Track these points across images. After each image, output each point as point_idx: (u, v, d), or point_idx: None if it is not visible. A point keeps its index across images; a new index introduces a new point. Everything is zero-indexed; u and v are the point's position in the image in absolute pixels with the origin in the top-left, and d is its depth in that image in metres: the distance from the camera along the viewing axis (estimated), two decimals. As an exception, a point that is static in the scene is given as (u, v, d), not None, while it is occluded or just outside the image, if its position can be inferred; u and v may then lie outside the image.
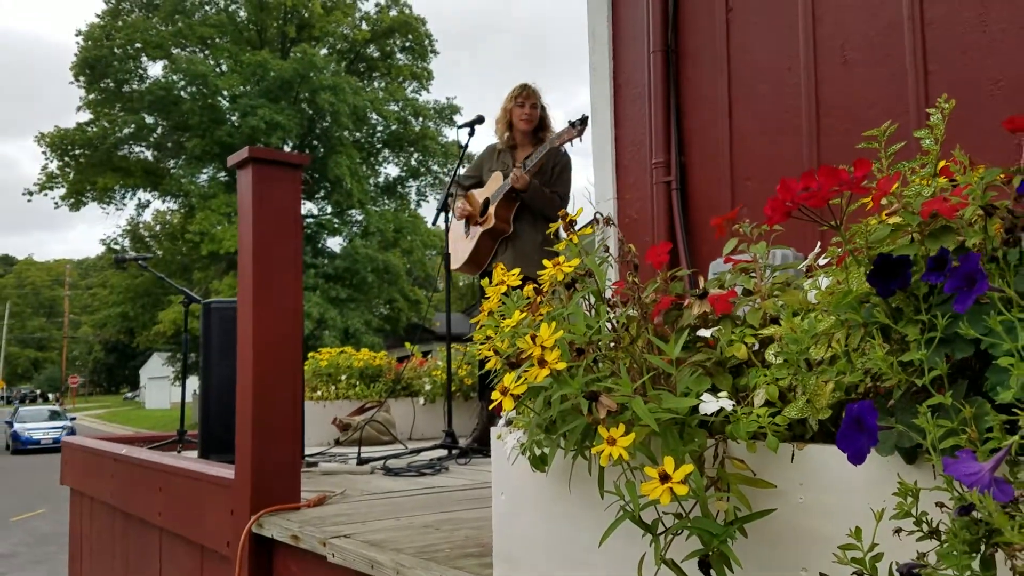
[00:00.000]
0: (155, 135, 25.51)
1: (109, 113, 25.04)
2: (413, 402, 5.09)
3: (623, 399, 1.05)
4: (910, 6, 2.72)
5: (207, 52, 25.19)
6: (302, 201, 2.64)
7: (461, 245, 4.07)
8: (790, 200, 1.00)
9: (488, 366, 1.32)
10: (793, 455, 0.99)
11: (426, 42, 27.98)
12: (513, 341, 1.28)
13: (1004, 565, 0.71)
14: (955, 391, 0.81)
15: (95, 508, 4.18)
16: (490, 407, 1.18)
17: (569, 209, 1.44)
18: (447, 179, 4.24)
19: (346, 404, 4.98)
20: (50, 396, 61.27)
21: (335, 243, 26.39)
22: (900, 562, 0.79)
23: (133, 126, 24.60)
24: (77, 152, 25.05)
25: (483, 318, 1.42)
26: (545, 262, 1.34)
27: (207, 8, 25.74)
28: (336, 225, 25.89)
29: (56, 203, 25.90)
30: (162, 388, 47.61)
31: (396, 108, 26.65)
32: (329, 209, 26.10)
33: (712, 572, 0.98)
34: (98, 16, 25.36)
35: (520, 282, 1.43)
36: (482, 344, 1.39)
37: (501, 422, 1.44)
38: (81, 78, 24.69)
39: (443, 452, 3.68)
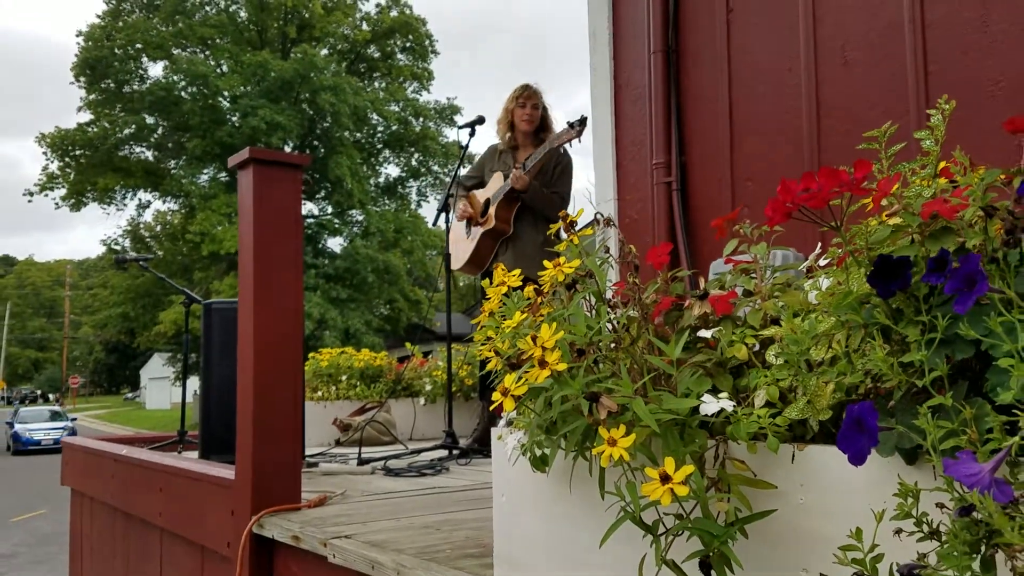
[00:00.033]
0: (156, 135, 25.53)
1: (110, 113, 25.05)
2: (414, 402, 5.09)
3: (624, 400, 1.05)
4: (910, 7, 2.72)
5: (208, 52, 25.20)
6: (302, 201, 2.64)
7: (462, 245, 4.07)
8: (790, 201, 1.00)
9: (489, 367, 1.32)
10: (794, 456, 0.99)
11: (426, 42, 27.99)
12: (514, 342, 1.28)
13: (1004, 566, 0.71)
14: (955, 392, 0.81)
15: (96, 508, 4.18)
16: (491, 408, 1.18)
17: (570, 210, 1.44)
18: (447, 179, 4.24)
19: (347, 404, 4.98)
20: (50, 397, 61.28)
21: (336, 243, 26.43)
22: (900, 563, 0.79)
23: (134, 126, 24.62)
24: (78, 152, 25.07)
25: (484, 319, 1.42)
26: (546, 263, 1.34)
27: (208, 8, 25.76)
28: (337, 225, 25.90)
29: (57, 203, 25.94)
30: (163, 388, 47.62)
31: (396, 108, 26.66)
32: (330, 209, 26.12)
33: (713, 573, 0.98)
34: (99, 17, 25.40)
35: (521, 283, 1.43)
36: (483, 345, 1.39)
37: (502, 423, 1.45)
38: (82, 79, 24.72)
39: (444, 452, 3.68)
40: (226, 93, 24.01)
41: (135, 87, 24.98)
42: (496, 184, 3.95)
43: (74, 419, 28.30)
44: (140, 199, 26.81)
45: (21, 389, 65.08)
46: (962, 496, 0.74)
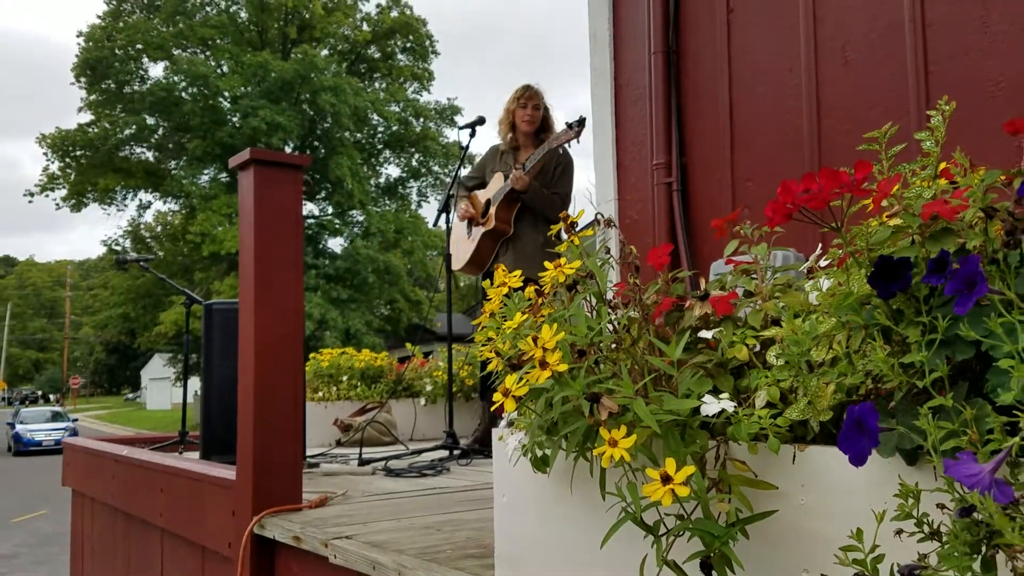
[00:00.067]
0: (156, 136, 25.54)
1: (110, 114, 25.06)
2: (414, 403, 5.09)
3: (624, 401, 1.05)
4: (911, 7, 2.72)
5: (208, 53, 25.21)
6: (303, 202, 2.64)
7: (463, 246, 4.07)
8: (791, 202, 1.00)
9: (490, 368, 1.32)
10: (794, 456, 0.99)
11: (427, 43, 28.00)
12: (515, 343, 1.29)
13: (1005, 566, 0.71)
14: (956, 393, 0.81)
15: (96, 509, 4.18)
16: (492, 408, 1.18)
17: (570, 210, 1.45)
18: (448, 180, 4.25)
19: (347, 405, 4.98)
20: (51, 397, 61.29)
21: (336, 244, 26.44)
22: (901, 563, 0.79)
23: (134, 127, 24.62)
24: (78, 153, 25.08)
25: (485, 319, 1.42)
26: (546, 263, 1.34)
27: (208, 9, 25.77)
28: (337, 226, 25.91)
29: (57, 204, 25.94)
30: (163, 389, 47.63)
31: (397, 109, 26.67)
32: (330, 210, 26.13)
33: (714, 573, 0.98)
34: (99, 17, 25.41)
35: (521, 284, 1.43)
36: (483, 346, 1.39)
37: (503, 423, 1.45)
38: (82, 79, 24.73)
39: (444, 453, 3.68)
40: (227, 94, 24.02)
41: (136, 88, 24.99)
42: (497, 185, 3.95)
43: (75, 420, 28.27)
44: (141, 200, 26.85)
45: (22, 390, 65.09)
46: (963, 497, 0.74)
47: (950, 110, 1.09)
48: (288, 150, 23.98)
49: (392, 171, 28.37)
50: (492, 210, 3.89)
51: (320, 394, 5.10)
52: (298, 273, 2.53)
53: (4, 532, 11.02)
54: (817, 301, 1.10)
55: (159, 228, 27.93)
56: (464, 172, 4.32)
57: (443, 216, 4.09)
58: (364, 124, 25.98)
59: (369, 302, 25.02)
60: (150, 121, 24.90)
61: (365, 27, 27.53)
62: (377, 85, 27.93)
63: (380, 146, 27.41)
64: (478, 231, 3.97)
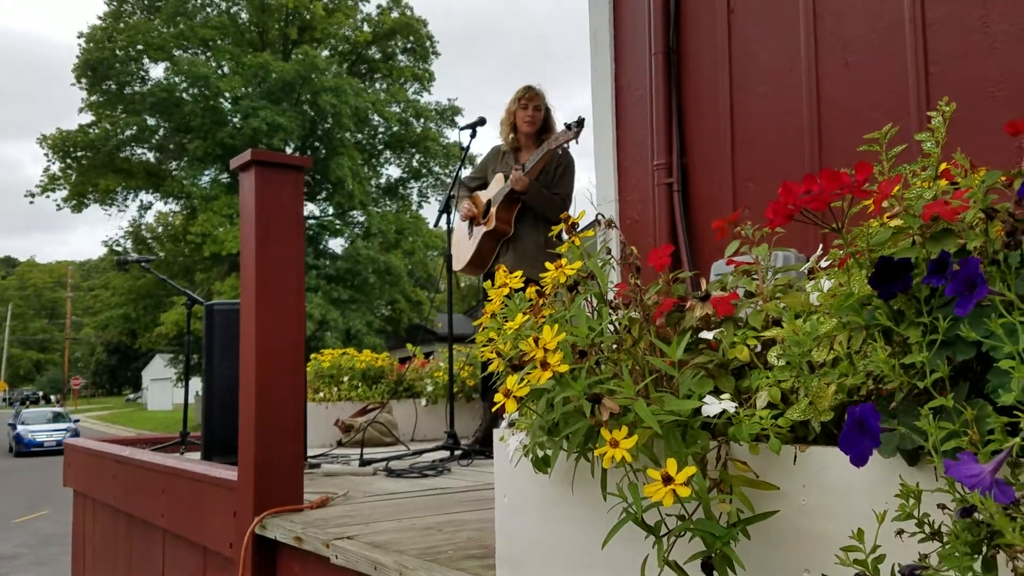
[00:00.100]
0: (157, 137, 25.57)
1: (111, 115, 25.10)
2: (415, 403, 5.09)
3: (626, 401, 1.05)
4: (911, 7, 2.72)
5: (209, 54, 25.24)
6: (303, 202, 2.64)
7: (464, 246, 4.07)
8: (792, 203, 1.00)
9: (491, 368, 1.32)
10: (795, 457, 0.99)
11: (427, 43, 28.04)
12: (516, 343, 1.29)
13: (1006, 567, 0.72)
14: (957, 393, 0.81)
15: (98, 510, 4.19)
16: (493, 409, 1.18)
17: (571, 211, 1.45)
18: (448, 180, 4.24)
19: (348, 405, 4.98)
20: (52, 398, 61.32)
21: (337, 244, 26.47)
22: (902, 564, 0.79)
23: (135, 128, 24.65)
24: (79, 154, 25.11)
25: (486, 320, 1.42)
26: (547, 264, 1.35)
27: (209, 10, 25.80)
28: (338, 226, 25.94)
29: (58, 205, 25.97)
30: (164, 389, 47.65)
31: (397, 109, 26.70)
32: (331, 210, 26.15)
33: (715, 574, 0.99)
34: (100, 18, 25.45)
35: (522, 284, 1.43)
36: (485, 346, 1.39)
37: (504, 424, 1.45)
38: (83, 80, 24.76)
39: (445, 453, 3.68)
40: (227, 94, 24.05)
41: (136, 88, 25.03)
42: (497, 185, 3.95)
43: (77, 420, 28.24)
44: (141, 200, 26.89)
45: (23, 390, 65.10)
46: (963, 497, 0.74)
47: (950, 111, 1.10)
48: (289, 151, 24.01)
49: (393, 172, 28.43)
50: (493, 210, 3.89)
51: (321, 395, 5.11)
52: (299, 274, 2.54)
53: (5, 533, 11.03)
54: (818, 302, 1.10)
55: (160, 229, 27.97)
56: (465, 173, 4.32)
57: (444, 216, 4.10)
58: (365, 125, 26.01)
59: (370, 302, 25.04)
60: (151, 122, 24.93)
61: (366, 28, 27.56)
62: (378, 86, 27.96)
63: (381, 147, 27.44)
64: (479, 231, 3.97)
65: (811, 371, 1.01)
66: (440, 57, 28.62)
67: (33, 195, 25.94)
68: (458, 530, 2.01)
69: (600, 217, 1.50)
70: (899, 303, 0.92)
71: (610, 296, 1.32)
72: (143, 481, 3.36)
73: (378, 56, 28.08)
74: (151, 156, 26.13)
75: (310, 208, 25.76)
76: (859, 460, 0.84)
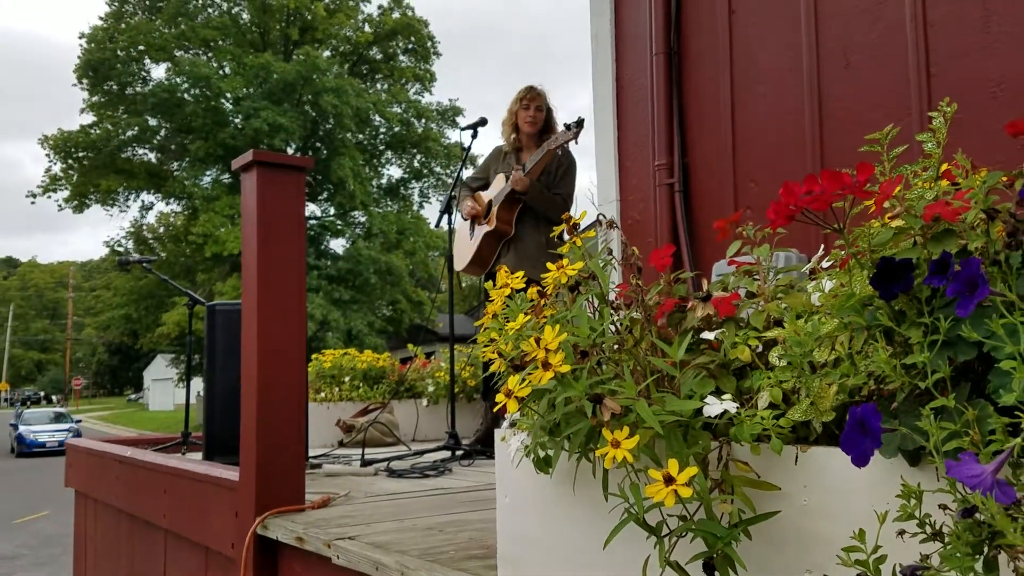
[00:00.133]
0: (158, 137, 25.58)
1: (112, 115, 25.12)
2: (416, 403, 5.09)
3: (627, 402, 1.05)
4: (912, 8, 2.72)
5: (210, 54, 25.26)
6: (305, 203, 2.65)
7: (465, 246, 4.08)
8: (793, 204, 1.00)
9: (492, 368, 1.32)
10: (797, 457, 0.99)
11: (428, 44, 28.05)
12: (517, 344, 1.29)
13: (1007, 567, 0.72)
14: (958, 394, 0.81)
15: (99, 510, 4.19)
16: (494, 410, 1.18)
17: (572, 211, 1.45)
18: (449, 180, 4.24)
19: (350, 406, 4.98)
20: (53, 398, 61.36)
21: (338, 245, 26.50)
22: (903, 564, 0.79)
23: (136, 128, 24.67)
24: (81, 154, 25.13)
25: (487, 321, 1.42)
26: (549, 265, 1.35)
27: (210, 11, 25.82)
28: (339, 227, 25.95)
29: (60, 205, 25.99)
30: (166, 390, 47.67)
31: (399, 110, 26.71)
32: (332, 211, 26.16)
33: (716, 574, 0.99)
34: (101, 19, 25.46)
35: (524, 285, 1.43)
36: (486, 347, 1.40)
37: (505, 424, 1.45)
38: (84, 80, 24.78)
39: (446, 454, 3.68)
40: (229, 95, 24.06)
41: (138, 89, 25.05)
42: (499, 186, 3.95)
43: (79, 421, 28.20)
44: (143, 201, 26.91)
45: (24, 390, 65.14)
46: (965, 497, 0.74)
47: (951, 112, 1.10)
48: (290, 151, 24.02)
49: (394, 172, 28.45)
50: (494, 211, 3.90)
51: (322, 395, 5.11)
52: (301, 274, 2.54)
53: (7, 533, 11.04)
54: (819, 302, 1.10)
55: (161, 229, 27.99)
56: (466, 173, 4.32)
57: (445, 217, 4.10)
58: (366, 125, 26.02)
59: (371, 303, 25.05)
60: (152, 122, 24.95)
61: (367, 28, 27.57)
62: (379, 86, 27.97)
63: (382, 147, 27.45)
64: (480, 232, 3.97)
65: (812, 371, 1.01)
66: (441, 57, 28.68)
67: (35, 195, 25.98)
68: (459, 530, 2.01)
69: (601, 217, 1.51)
70: (900, 303, 0.92)
71: (611, 296, 1.32)
72: (145, 481, 3.36)
73: (379, 57, 28.09)
74: (152, 157, 26.16)
75: (311, 208, 25.78)
76: (860, 460, 0.84)
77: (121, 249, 26.85)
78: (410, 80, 27.99)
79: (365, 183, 25.61)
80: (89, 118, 25.16)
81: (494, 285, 1.46)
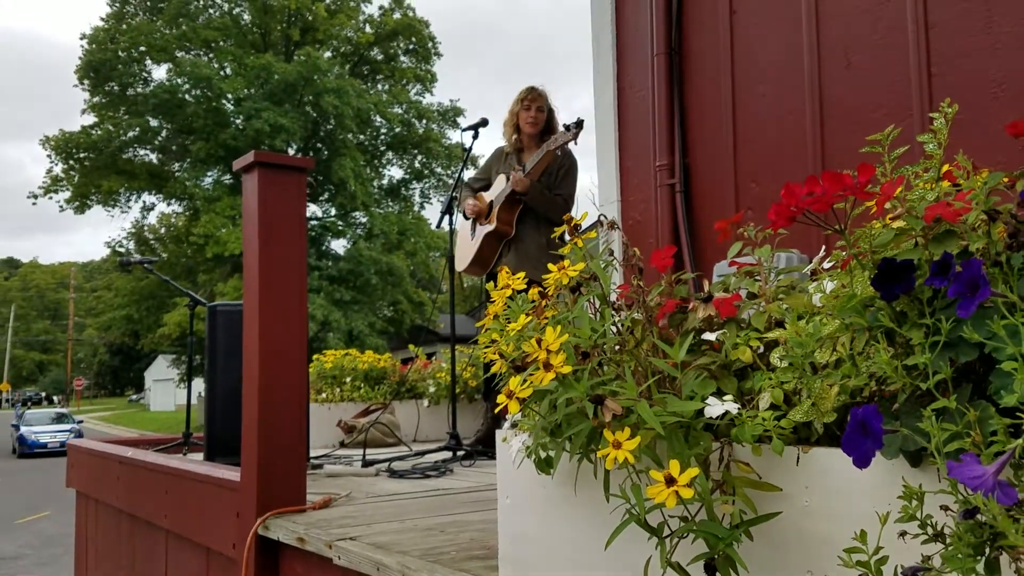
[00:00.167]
0: (160, 138, 25.60)
1: (114, 116, 25.14)
2: (417, 404, 5.09)
3: (628, 402, 1.05)
4: (913, 8, 2.72)
5: (211, 55, 25.27)
6: (306, 204, 2.65)
7: (466, 247, 4.08)
8: (794, 205, 1.00)
9: (493, 370, 1.32)
10: (798, 458, 0.99)
11: (429, 44, 28.06)
12: (518, 345, 1.29)
13: (1009, 568, 0.72)
14: (959, 395, 0.81)
15: (101, 510, 4.19)
16: (496, 411, 1.18)
17: (573, 211, 1.45)
18: (450, 181, 4.25)
19: (351, 406, 4.99)
20: (55, 399, 61.39)
21: (339, 245, 26.49)
22: (905, 565, 0.79)
23: (138, 129, 24.69)
24: (82, 155, 25.15)
25: (489, 322, 1.43)
26: (550, 266, 1.35)
27: (211, 12, 25.83)
28: (340, 227, 25.95)
29: (61, 206, 26.01)
30: (167, 390, 47.70)
31: (400, 111, 26.72)
32: (333, 211, 26.17)
33: (718, 575, 0.99)
34: (102, 19, 25.48)
35: (525, 286, 1.43)
36: (487, 348, 1.40)
37: (506, 425, 1.45)
38: (86, 81, 24.80)
39: (448, 454, 3.69)
40: (230, 96, 24.07)
41: (139, 90, 25.07)
42: (500, 186, 3.96)
43: (80, 421, 28.17)
44: (144, 201, 26.93)
45: (26, 391, 65.16)
46: (966, 499, 0.74)
47: (952, 112, 1.10)
48: (291, 152, 24.04)
49: (395, 173, 28.45)
50: (495, 211, 3.90)
51: (323, 395, 5.11)
52: (302, 275, 2.54)
53: (9, 533, 11.05)
54: (821, 303, 1.10)
55: (163, 230, 28.01)
56: (467, 174, 4.32)
57: (446, 217, 4.10)
58: (367, 126, 26.03)
59: (372, 303, 25.05)
60: (153, 123, 24.97)
61: (368, 29, 27.58)
62: (380, 87, 27.99)
63: (383, 148, 27.46)
64: (481, 232, 3.97)
65: (814, 372, 1.01)
66: (442, 58, 28.71)
67: (36, 196, 26.00)
68: (461, 531, 2.01)
69: (602, 218, 1.51)
70: (902, 304, 0.92)
71: (613, 297, 1.32)
72: (146, 482, 3.37)
73: (380, 57, 28.10)
74: (154, 157, 26.18)
75: (312, 209, 25.79)
76: (862, 462, 0.84)
77: (122, 250, 26.89)
78: (411, 81, 28.00)
79: (366, 184, 25.62)
80: (90, 119, 25.21)
81: (495, 286, 1.46)
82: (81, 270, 73.83)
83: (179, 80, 23.94)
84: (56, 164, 25.35)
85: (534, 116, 3.92)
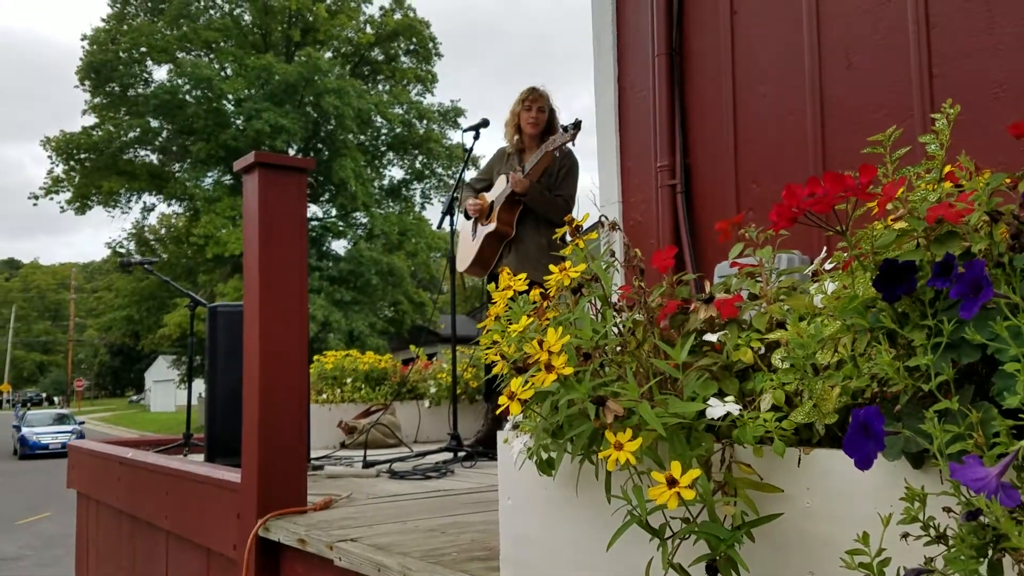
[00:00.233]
0: (160, 139, 25.61)
1: (114, 117, 25.14)
2: (418, 405, 5.09)
3: (630, 404, 1.05)
4: (915, 8, 2.72)
5: (212, 56, 25.28)
6: (307, 204, 2.65)
7: (467, 247, 4.08)
8: (796, 206, 1.00)
9: (495, 371, 1.32)
10: (800, 460, 0.99)
11: (430, 45, 28.07)
12: (520, 346, 1.29)
13: (1011, 570, 0.71)
14: (962, 396, 0.81)
15: (102, 511, 4.19)
16: (497, 411, 1.18)
17: (574, 212, 1.45)
18: (451, 182, 4.25)
19: (351, 407, 4.98)
20: (55, 400, 61.41)
21: (340, 246, 26.49)
22: (907, 567, 0.79)
23: (138, 130, 24.70)
24: (83, 156, 25.15)
25: (490, 323, 1.42)
26: (551, 267, 1.35)
27: (212, 12, 25.84)
28: (341, 228, 25.95)
29: (62, 207, 26.01)
30: (167, 391, 47.69)
31: (400, 111, 26.72)
32: (334, 212, 26.17)
33: (719, 576, 0.98)
34: (103, 20, 25.49)
35: (526, 287, 1.43)
36: (488, 349, 1.40)
37: (508, 426, 1.45)
38: (87, 82, 24.80)
39: (448, 455, 3.68)
40: (230, 96, 24.08)
41: (140, 90, 25.07)
42: (501, 187, 3.96)
43: (82, 422, 28.13)
44: (145, 202, 26.92)
45: (26, 392, 65.16)
46: (969, 500, 0.74)
47: (954, 113, 1.09)
48: (292, 153, 24.04)
49: (396, 173, 28.44)
50: (495, 212, 3.90)
51: (324, 396, 5.11)
52: (302, 275, 2.54)
53: (10, 534, 11.05)
54: (822, 304, 1.10)
55: (163, 231, 28.01)
56: (468, 175, 4.32)
57: (447, 218, 4.10)
58: (367, 126, 26.02)
59: (373, 304, 25.05)
60: (154, 124, 24.97)
61: (368, 30, 27.58)
62: (380, 87, 27.99)
63: (383, 148, 27.46)
64: (482, 233, 3.97)
65: (815, 373, 1.01)
66: (443, 58, 28.71)
67: (37, 197, 26.00)
68: (462, 532, 2.01)
69: (603, 219, 1.51)
70: (903, 306, 0.92)
71: (614, 298, 1.32)
72: (147, 483, 3.37)
73: (381, 58, 28.10)
74: (154, 158, 26.18)
75: (313, 210, 25.79)
76: (863, 463, 0.84)
77: (123, 250, 26.89)
78: (412, 81, 28.00)
79: (367, 184, 25.62)
80: (91, 120, 25.22)
81: (496, 287, 1.46)
82: (82, 271, 73.87)
83: (180, 81, 23.94)
84: (57, 165, 25.37)
85: (535, 117, 3.92)
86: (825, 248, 1.28)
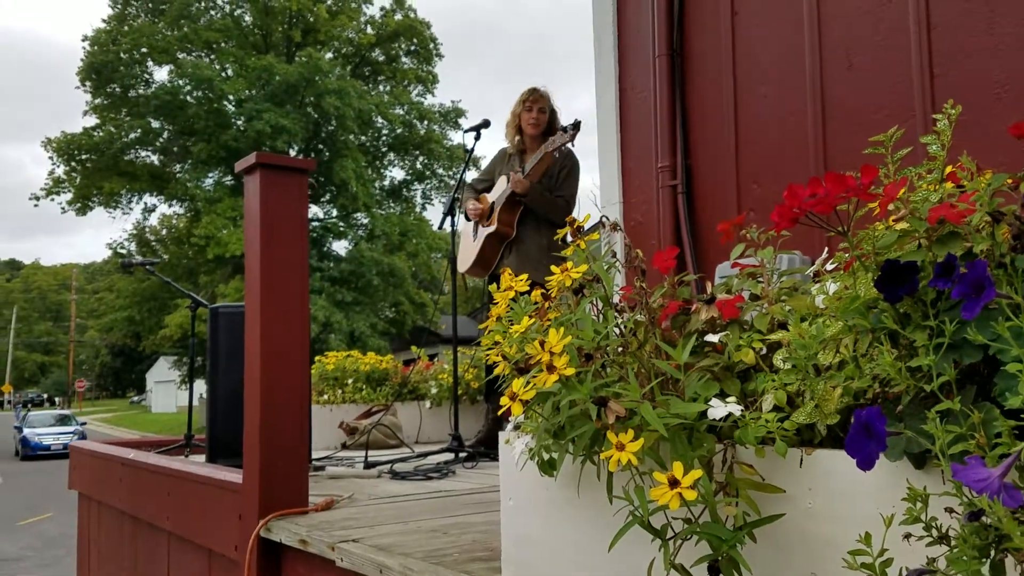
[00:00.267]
0: (161, 139, 25.61)
1: (115, 118, 25.15)
2: (419, 405, 5.09)
3: (631, 404, 1.05)
4: (915, 9, 2.72)
5: (213, 57, 25.29)
6: (308, 205, 2.65)
7: (468, 248, 4.08)
8: (797, 207, 1.00)
9: (497, 371, 1.32)
10: (802, 460, 0.99)
11: (431, 46, 28.08)
12: (521, 346, 1.29)
13: (1014, 570, 0.71)
14: (964, 397, 0.81)
15: (103, 512, 4.19)
16: (498, 412, 1.18)
17: (575, 213, 1.45)
18: (452, 182, 4.25)
19: (353, 408, 4.99)
20: (56, 400, 61.44)
21: (341, 246, 26.49)
22: (910, 567, 0.79)
23: (139, 131, 24.71)
24: (84, 157, 25.16)
25: (492, 324, 1.43)
26: (552, 267, 1.35)
27: (212, 13, 25.85)
28: (342, 228, 25.95)
29: (63, 208, 26.03)
30: (168, 392, 47.70)
31: (401, 112, 26.73)
32: (335, 212, 26.17)
33: (721, 577, 0.98)
34: (104, 21, 25.50)
35: (528, 288, 1.43)
36: (490, 349, 1.40)
37: (509, 427, 1.45)
38: (88, 83, 24.81)
39: (450, 456, 3.69)
40: (231, 97, 24.09)
41: (141, 91, 25.08)
42: (501, 187, 3.96)
43: (84, 423, 28.15)
44: (146, 203, 26.93)
45: (28, 393, 65.19)
46: (971, 501, 0.74)
47: (956, 114, 1.09)
48: (293, 153, 24.03)
49: (396, 174, 28.45)
50: (496, 212, 3.90)
51: (325, 397, 5.11)
52: (303, 276, 2.54)
53: (11, 535, 11.05)
54: (824, 305, 1.10)
55: (164, 231, 28.03)
56: (469, 175, 4.33)
57: (448, 219, 4.10)
58: (368, 127, 26.03)
59: (374, 305, 25.05)
60: (155, 125, 24.99)
61: (369, 30, 27.60)
62: (381, 88, 28.00)
63: (384, 149, 27.47)
64: (483, 233, 3.97)
65: (817, 374, 1.01)
66: (443, 59, 28.71)
67: (38, 198, 26.02)
68: (463, 532, 2.01)
69: (605, 219, 1.51)
70: (905, 306, 0.92)
71: (615, 299, 1.32)
72: (148, 484, 3.37)
73: (382, 58, 28.11)
74: (155, 159, 26.19)
75: (314, 210, 25.79)
76: (865, 464, 0.84)
77: (124, 251, 26.91)
78: (412, 82, 28.01)
79: (368, 185, 25.63)
80: (92, 120, 25.24)
81: (497, 287, 1.46)
82: (83, 272, 73.93)
83: (180, 82, 23.95)
84: (58, 166, 25.38)
85: (536, 117, 3.92)
86: (826, 249, 1.28)
